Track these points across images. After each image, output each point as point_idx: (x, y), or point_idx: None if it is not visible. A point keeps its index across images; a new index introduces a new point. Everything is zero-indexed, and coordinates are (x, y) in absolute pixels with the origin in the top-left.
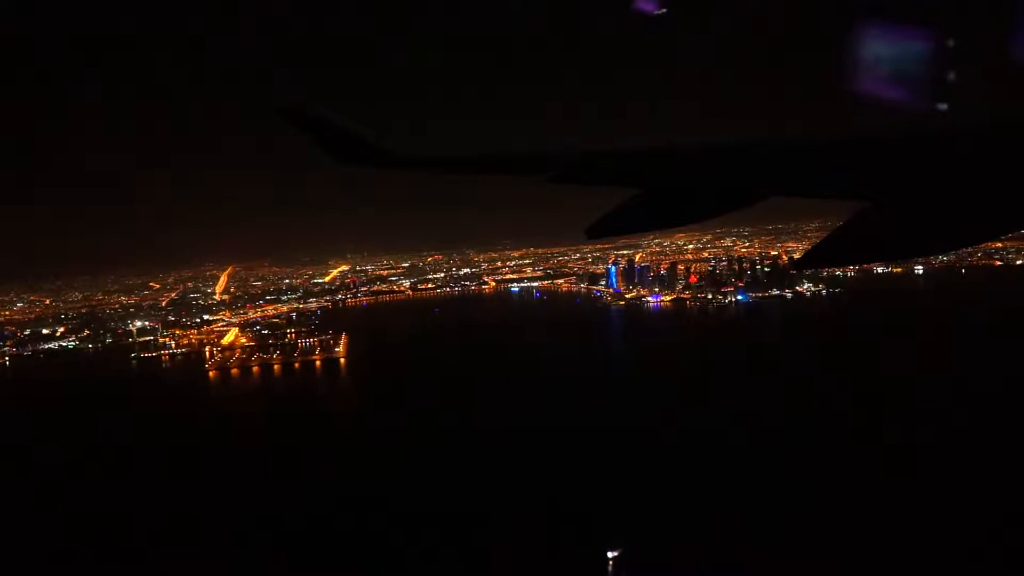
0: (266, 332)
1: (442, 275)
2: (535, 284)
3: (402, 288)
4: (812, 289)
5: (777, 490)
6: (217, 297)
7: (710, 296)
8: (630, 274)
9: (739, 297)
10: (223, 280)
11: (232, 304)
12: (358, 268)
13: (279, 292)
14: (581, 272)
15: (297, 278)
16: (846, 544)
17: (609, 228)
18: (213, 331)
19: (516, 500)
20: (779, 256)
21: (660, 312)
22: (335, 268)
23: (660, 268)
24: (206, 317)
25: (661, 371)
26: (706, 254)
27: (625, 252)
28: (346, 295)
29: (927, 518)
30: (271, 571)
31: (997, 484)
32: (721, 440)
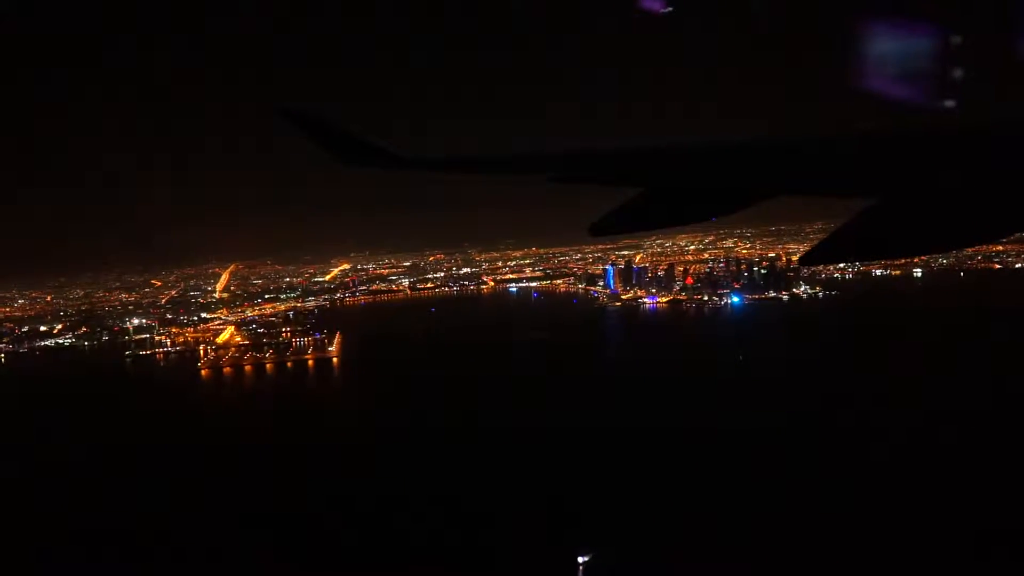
0: (261, 331)
1: (442, 274)
2: (534, 284)
3: (401, 287)
4: (809, 291)
5: (744, 493)
6: (217, 295)
7: (706, 298)
8: (628, 275)
9: (734, 299)
10: (224, 278)
11: (230, 302)
12: (360, 267)
13: (279, 291)
14: (580, 273)
15: (298, 277)
16: (816, 547)
17: (613, 226)
18: (209, 329)
19: (485, 502)
20: (777, 258)
21: (655, 313)
22: (337, 267)
23: (658, 269)
24: (204, 315)
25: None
26: (706, 255)
27: (626, 252)
28: (344, 294)
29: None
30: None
31: (972, 489)
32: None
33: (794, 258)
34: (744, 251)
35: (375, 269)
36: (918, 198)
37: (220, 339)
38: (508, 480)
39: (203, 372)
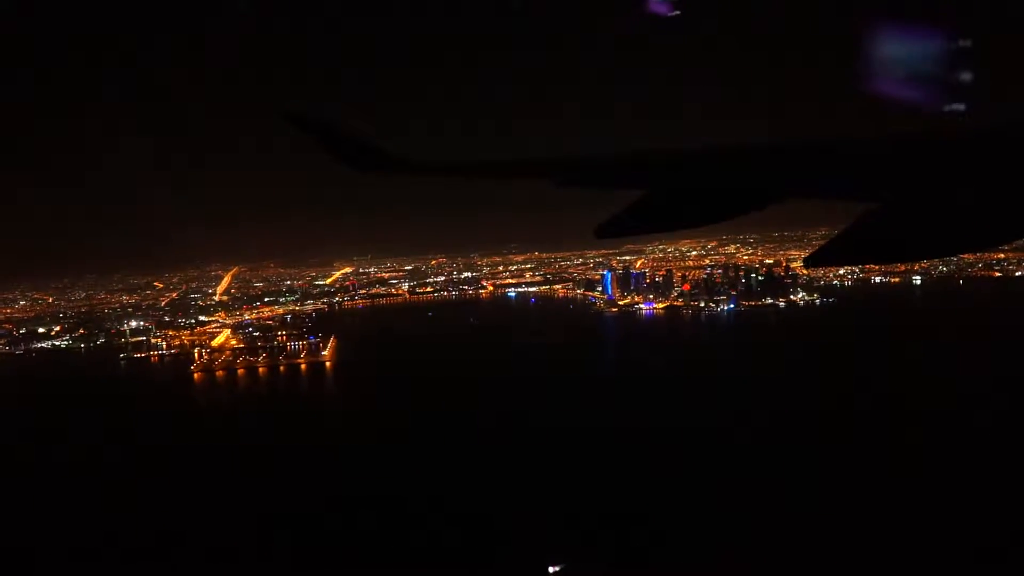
0: (257, 334)
1: (443, 279)
2: (532, 289)
3: (400, 292)
4: (806, 298)
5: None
6: (217, 298)
7: (703, 304)
8: (626, 281)
9: (730, 306)
10: (226, 281)
11: (229, 305)
12: (362, 270)
13: (279, 293)
14: (580, 278)
15: (299, 279)
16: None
17: (619, 228)
18: (206, 332)
19: (455, 511)
20: (776, 264)
21: (648, 320)
22: (339, 270)
23: (657, 275)
24: (201, 318)
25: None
26: (707, 261)
27: (628, 258)
28: (343, 297)
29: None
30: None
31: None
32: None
33: (793, 264)
34: (746, 257)
35: (377, 272)
36: (926, 201)
37: (215, 342)
38: (470, 488)
39: (196, 375)
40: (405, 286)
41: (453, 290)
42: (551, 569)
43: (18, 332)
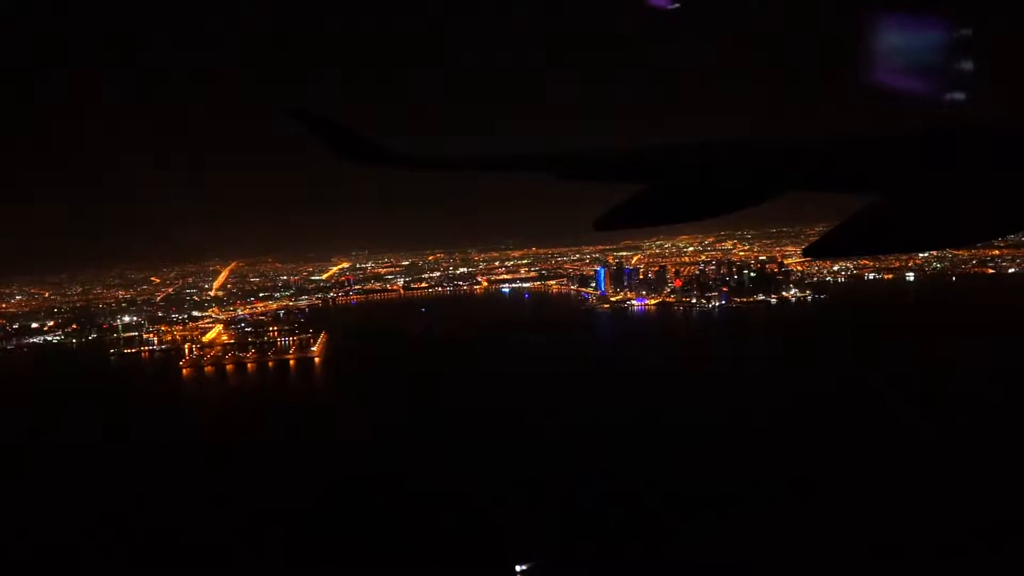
0: (249, 330)
1: (438, 274)
2: (527, 285)
3: (395, 287)
4: (798, 295)
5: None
6: (213, 293)
7: (694, 300)
8: (619, 277)
9: (721, 302)
10: (223, 276)
11: (223, 300)
12: (359, 265)
13: (275, 289)
14: (575, 273)
15: (296, 275)
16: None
17: (618, 220)
18: (198, 328)
19: (421, 511)
20: (769, 260)
21: (639, 316)
22: (336, 265)
23: (650, 271)
24: (195, 313)
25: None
26: (703, 257)
27: (625, 253)
28: (338, 293)
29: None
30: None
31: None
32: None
33: (788, 261)
34: (742, 253)
35: (374, 268)
36: (928, 193)
37: (206, 338)
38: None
39: (184, 371)
40: (400, 282)
41: (448, 286)
42: (518, 568)
43: (11, 327)
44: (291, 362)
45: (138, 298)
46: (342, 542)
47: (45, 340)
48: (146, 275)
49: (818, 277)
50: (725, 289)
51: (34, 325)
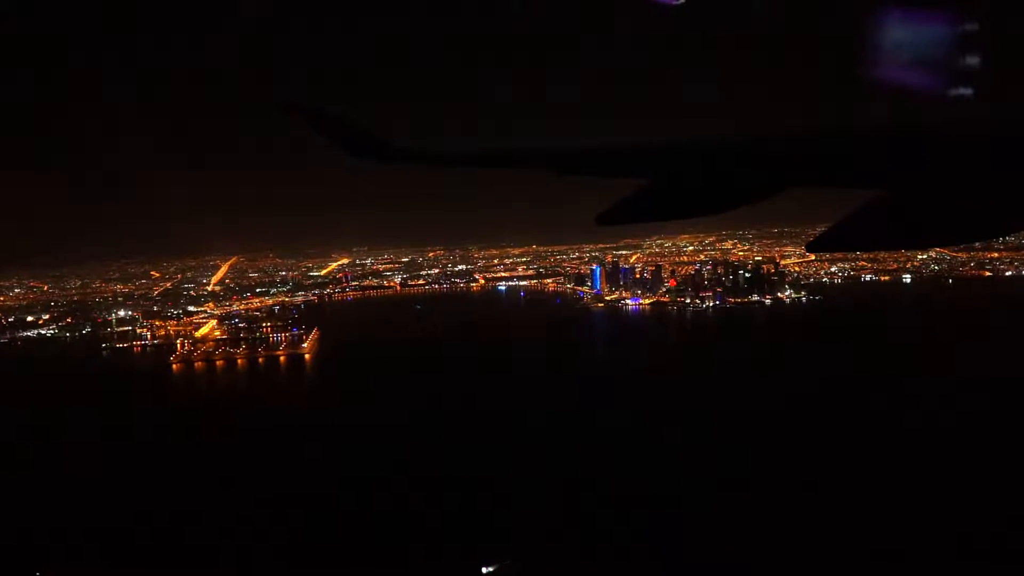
0: (243, 325)
1: (436, 271)
2: (523, 283)
3: (392, 284)
4: (793, 296)
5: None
6: (210, 288)
7: (688, 300)
8: (615, 276)
9: (716, 302)
10: (222, 271)
11: (219, 296)
12: (358, 262)
13: (272, 284)
14: (572, 272)
15: (294, 271)
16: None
17: (621, 215)
18: (191, 323)
19: (390, 511)
20: (766, 261)
21: (631, 316)
22: (336, 261)
23: (647, 270)
24: (191, 308)
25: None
26: (702, 256)
27: (624, 252)
28: (334, 289)
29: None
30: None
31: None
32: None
33: (786, 261)
34: (741, 253)
35: (374, 264)
36: (929, 190)
37: (199, 333)
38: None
39: (174, 366)
40: (398, 279)
41: (445, 283)
42: (485, 569)
43: (6, 320)
44: (281, 359)
45: (136, 292)
46: (307, 544)
47: (39, 334)
48: (145, 269)
49: (815, 278)
50: (720, 289)
51: (29, 318)
